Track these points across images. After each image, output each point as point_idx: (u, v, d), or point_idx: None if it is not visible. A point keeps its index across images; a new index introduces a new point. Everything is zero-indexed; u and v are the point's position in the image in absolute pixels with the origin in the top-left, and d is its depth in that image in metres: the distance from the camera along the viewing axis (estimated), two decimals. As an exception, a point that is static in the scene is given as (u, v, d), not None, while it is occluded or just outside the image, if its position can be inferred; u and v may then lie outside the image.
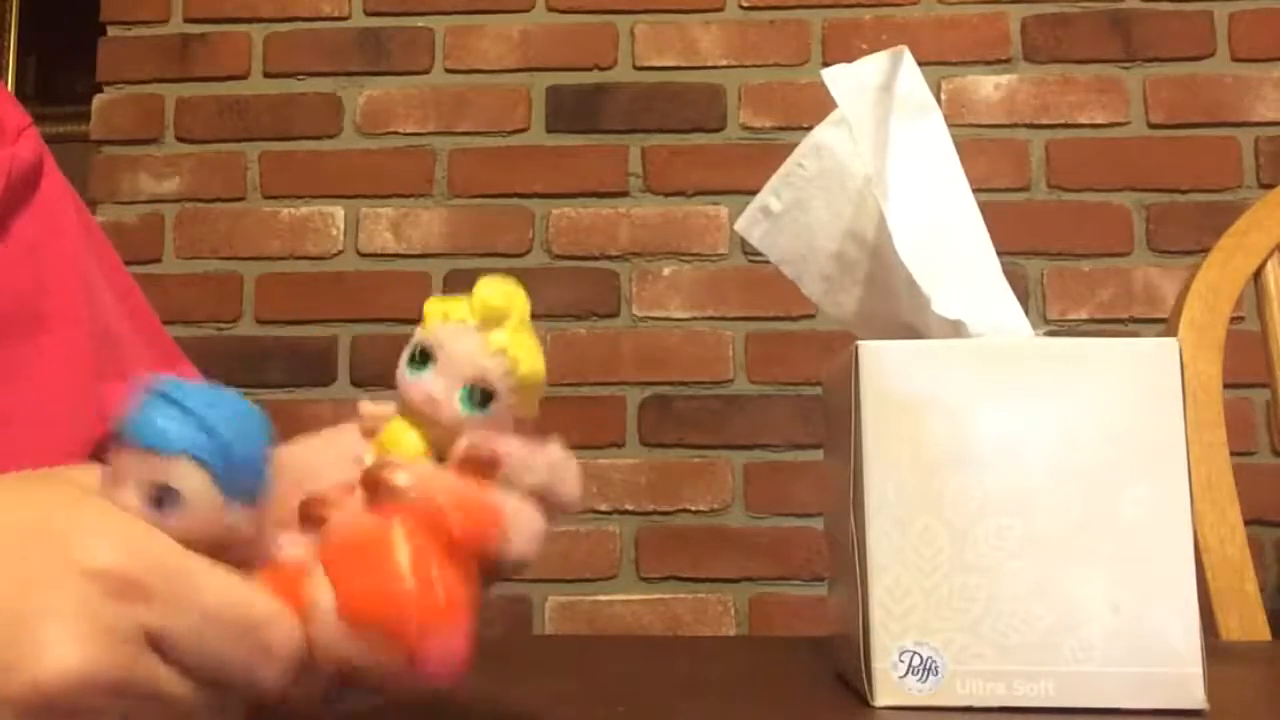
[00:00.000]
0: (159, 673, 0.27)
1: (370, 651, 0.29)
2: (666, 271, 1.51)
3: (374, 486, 0.31)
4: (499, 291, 0.34)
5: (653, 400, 1.49)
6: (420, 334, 0.34)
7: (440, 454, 0.33)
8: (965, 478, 0.41)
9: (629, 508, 1.47)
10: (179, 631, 0.27)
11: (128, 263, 0.60)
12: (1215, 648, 0.55)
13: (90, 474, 0.29)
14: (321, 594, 0.29)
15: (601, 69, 1.55)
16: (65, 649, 0.25)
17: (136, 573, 0.26)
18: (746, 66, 1.54)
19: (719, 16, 1.55)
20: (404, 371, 0.33)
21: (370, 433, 0.35)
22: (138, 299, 0.59)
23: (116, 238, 1.53)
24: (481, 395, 0.33)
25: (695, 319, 1.50)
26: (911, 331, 0.46)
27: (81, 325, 0.52)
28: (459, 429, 0.33)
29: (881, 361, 0.42)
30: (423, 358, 0.33)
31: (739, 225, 0.52)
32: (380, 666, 0.29)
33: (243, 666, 0.28)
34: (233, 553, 0.29)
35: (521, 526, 0.33)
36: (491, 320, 0.33)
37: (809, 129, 0.51)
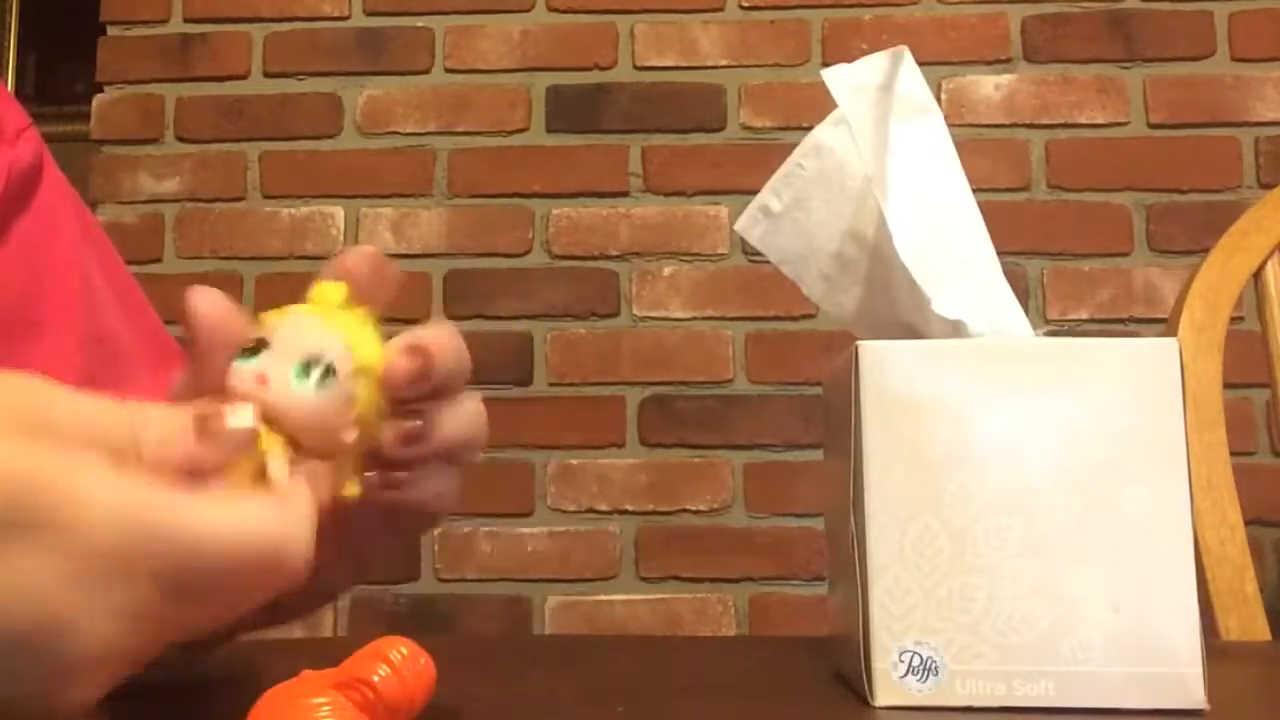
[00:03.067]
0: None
1: None
2: (666, 271, 1.51)
3: None
4: (340, 287, 0.32)
5: (653, 400, 1.49)
6: (252, 331, 0.31)
7: (298, 445, 0.31)
8: (965, 478, 0.41)
9: (629, 508, 1.47)
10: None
11: (128, 263, 0.60)
12: (1215, 648, 0.55)
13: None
14: None
15: (601, 69, 1.55)
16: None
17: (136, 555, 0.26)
18: (746, 66, 1.54)
19: (719, 16, 1.55)
20: (233, 365, 0.31)
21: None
22: (138, 298, 0.59)
23: (116, 238, 1.52)
24: (321, 372, 0.30)
25: (695, 319, 1.50)
26: (911, 331, 0.46)
27: (75, 332, 0.52)
28: (296, 414, 0.30)
29: (881, 361, 0.42)
30: (254, 348, 0.31)
31: (739, 225, 0.52)
32: None
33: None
34: None
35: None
36: (330, 310, 0.32)
37: (809, 129, 0.51)
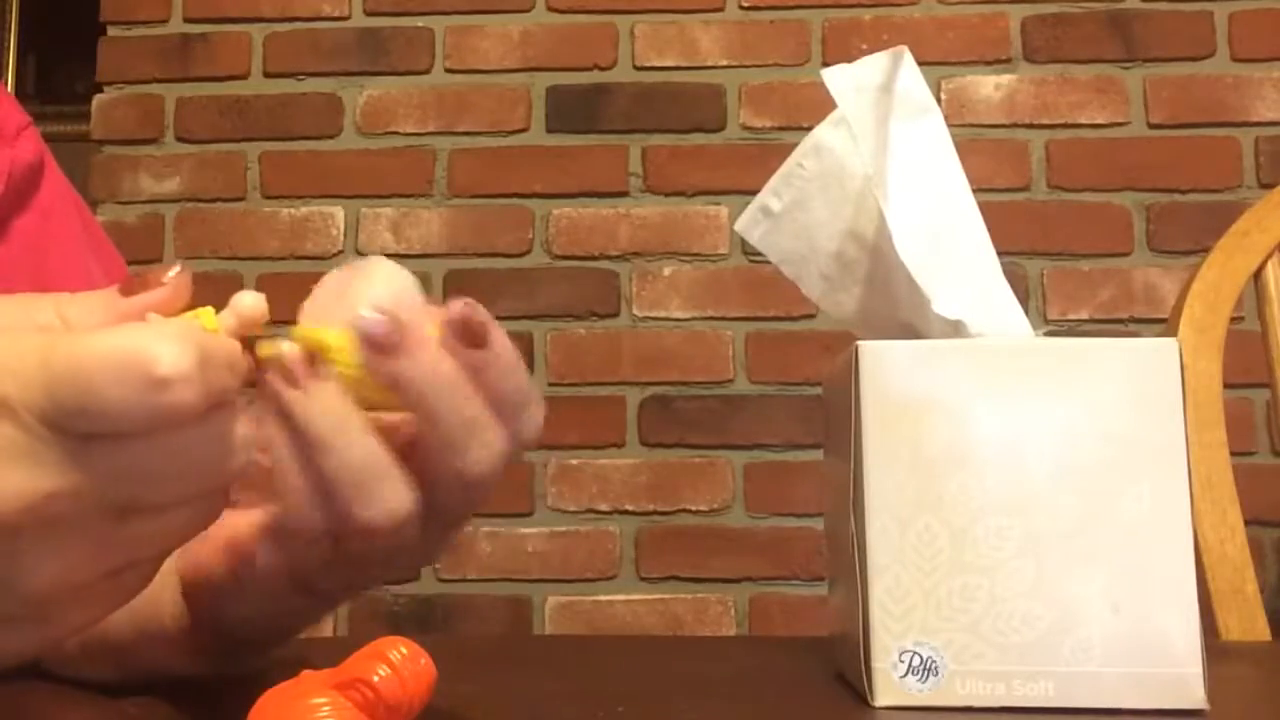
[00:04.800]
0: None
1: None
2: (666, 271, 1.51)
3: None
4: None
5: (653, 400, 1.49)
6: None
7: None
8: (965, 478, 0.41)
9: (629, 508, 1.47)
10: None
11: (128, 263, 0.60)
12: (1215, 648, 0.55)
13: None
14: None
15: (601, 69, 1.55)
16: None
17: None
18: (746, 66, 1.54)
19: (719, 16, 1.55)
20: None
21: None
22: None
23: (116, 238, 1.52)
24: None
25: (695, 319, 1.50)
26: (911, 331, 0.46)
27: None
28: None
29: (881, 361, 0.42)
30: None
31: (739, 225, 0.52)
32: None
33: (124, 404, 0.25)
34: None
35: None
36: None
37: (809, 129, 0.50)
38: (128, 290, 0.29)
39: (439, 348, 0.31)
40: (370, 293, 0.32)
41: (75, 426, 0.25)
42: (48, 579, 0.27)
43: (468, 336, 0.32)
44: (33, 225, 0.53)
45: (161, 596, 0.38)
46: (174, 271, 0.30)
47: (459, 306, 0.32)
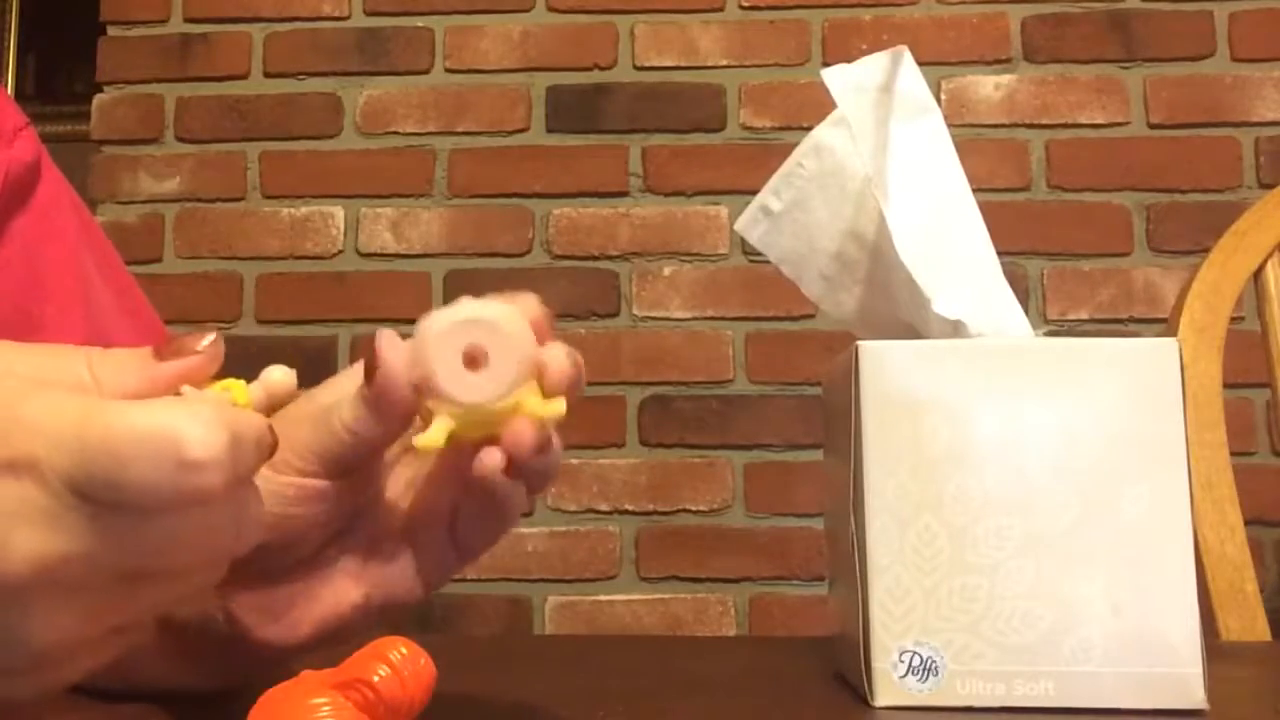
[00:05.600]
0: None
1: None
2: (666, 271, 1.51)
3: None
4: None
5: (653, 400, 1.49)
6: None
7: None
8: (965, 478, 0.41)
9: (629, 508, 1.47)
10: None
11: (128, 263, 0.60)
12: (1215, 648, 0.55)
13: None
14: None
15: (601, 69, 1.55)
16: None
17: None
18: (746, 66, 1.54)
19: (719, 16, 1.55)
20: None
21: None
22: (136, 296, 0.59)
23: (116, 238, 1.53)
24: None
25: (695, 319, 1.50)
26: (911, 331, 0.46)
27: (76, 330, 0.52)
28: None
29: (881, 361, 0.42)
30: None
31: (739, 225, 0.52)
32: None
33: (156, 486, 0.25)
34: None
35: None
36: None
37: (809, 129, 0.50)
38: (161, 355, 0.30)
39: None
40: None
41: (100, 496, 0.25)
42: (53, 637, 0.27)
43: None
44: (31, 225, 0.53)
45: None
46: (209, 340, 0.30)
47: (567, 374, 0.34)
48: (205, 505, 0.26)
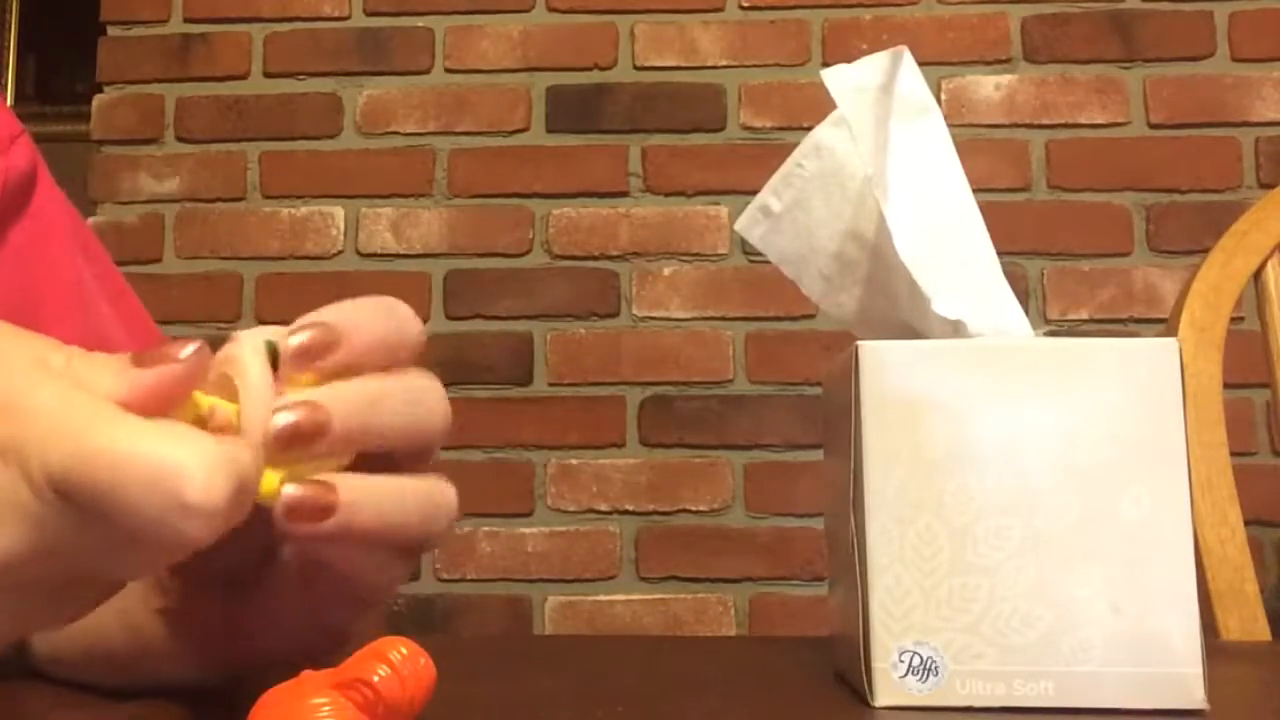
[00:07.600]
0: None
1: None
2: (666, 271, 1.51)
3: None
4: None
5: (653, 400, 1.49)
6: None
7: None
8: (965, 478, 0.41)
9: (629, 508, 1.47)
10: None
11: (128, 263, 0.60)
12: (1215, 648, 0.55)
13: None
14: None
15: (601, 69, 1.55)
16: None
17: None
18: (746, 66, 1.54)
19: (719, 16, 1.55)
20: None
21: None
22: (131, 302, 0.59)
23: (116, 238, 1.53)
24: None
25: (695, 319, 1.50)
26: (911, 331, 0.46)
27: (73, 337, 0.52)
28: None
29: (881, 361, 0.42)
30: None
31: (739, 225, 0.52)
32: None
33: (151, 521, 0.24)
34: None
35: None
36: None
37: (809, 129, 0.50)
38: (140, 362, 0.27)
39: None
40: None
41: (83, 504, 0.24)
42: None
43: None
44: (28, 232, 0.53)
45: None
46: (190, 349, 0.28)
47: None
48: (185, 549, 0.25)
